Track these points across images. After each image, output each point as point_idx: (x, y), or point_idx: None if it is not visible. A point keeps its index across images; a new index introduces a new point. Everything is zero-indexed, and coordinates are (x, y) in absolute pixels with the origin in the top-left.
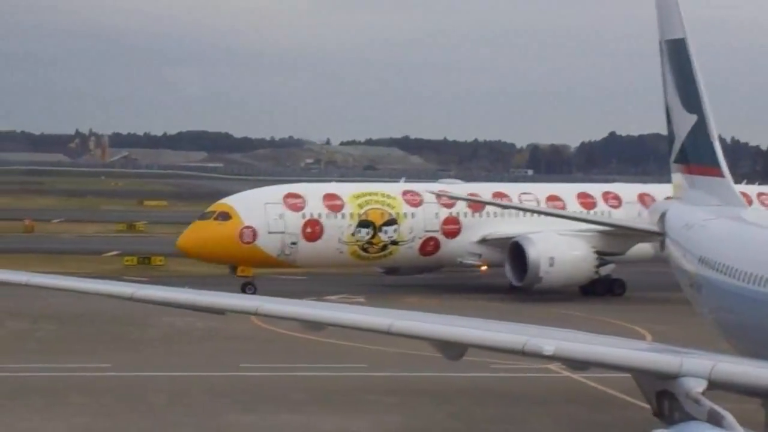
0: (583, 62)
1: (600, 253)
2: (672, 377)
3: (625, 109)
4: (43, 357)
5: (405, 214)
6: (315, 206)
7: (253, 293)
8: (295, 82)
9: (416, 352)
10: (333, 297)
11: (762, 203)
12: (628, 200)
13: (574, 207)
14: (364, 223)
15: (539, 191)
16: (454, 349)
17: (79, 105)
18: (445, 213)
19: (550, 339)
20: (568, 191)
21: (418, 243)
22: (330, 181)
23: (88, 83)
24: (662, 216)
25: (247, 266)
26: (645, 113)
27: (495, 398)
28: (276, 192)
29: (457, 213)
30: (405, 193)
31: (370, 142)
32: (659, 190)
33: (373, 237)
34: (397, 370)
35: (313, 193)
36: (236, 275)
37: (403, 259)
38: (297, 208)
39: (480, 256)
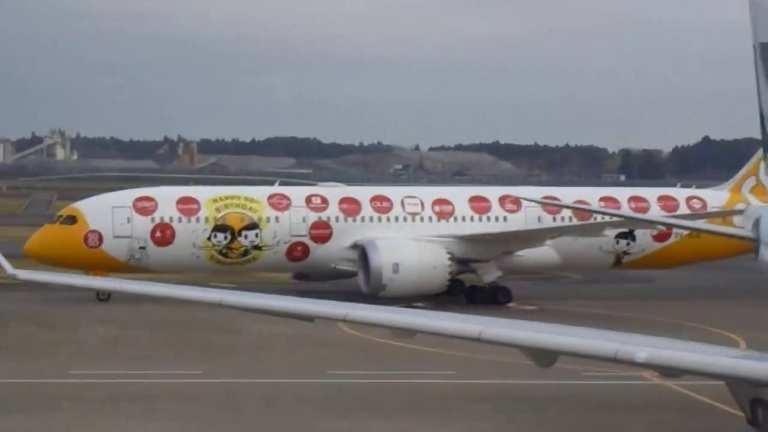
0: (676, 66)
1: (462, 260)
2: (766, 385)
3: (719, 113)
4: (134, 363)
5: (268, 218)
6: (167, 210)
7: (107, 299)
8: (385, 87)
9: (507, 359)
10: (420, 303)
11: None
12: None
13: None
14: (221, 228)
15: (425, 194)
16: (545, 357)
17: (168, 111)
18: (313, 217)
19: (642, 346)
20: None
21: (283, 248)
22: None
23: (176, 89)
24: (756, 221)
25: (96, 271)
26: (739, 117)
27: (587, 406)
28: (126, 195)
29: (328, 217)
30: (271, 196)
31: (459, 148)
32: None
33: (231, 242)
34: (487, 378)
35: (167, 196)
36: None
37: (270, 265)
38: (146, 212)
39: (355, 261)
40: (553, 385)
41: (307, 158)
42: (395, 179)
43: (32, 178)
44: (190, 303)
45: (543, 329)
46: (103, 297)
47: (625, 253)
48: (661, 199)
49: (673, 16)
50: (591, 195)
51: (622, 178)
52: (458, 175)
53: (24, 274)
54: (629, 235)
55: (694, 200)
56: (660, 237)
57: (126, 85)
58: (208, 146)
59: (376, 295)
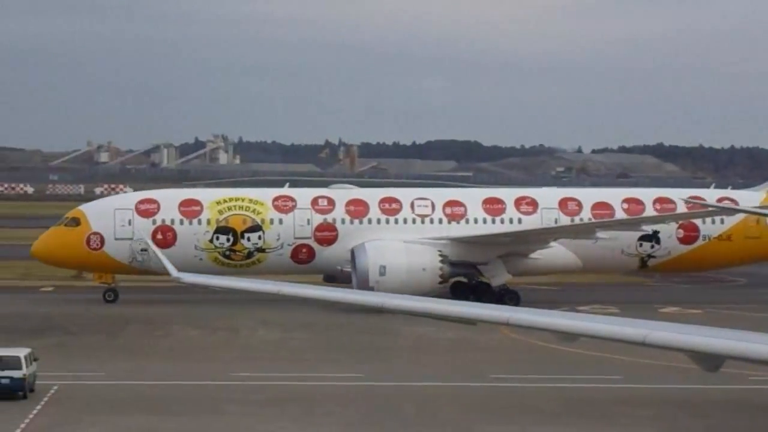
0: None
1: (458, 263)
2: None
3: None
4: (295, 366)
5: (272, 221)
6: (169, 212)
7: (113, 300)
8: (546, 89)
9: (672, 364)
10: (584, 307)
11: None
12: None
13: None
14: (223, 230)
15: (437, 197)
16: (711, 361)
17: (329, 115)
18: (318, 219)
19: None
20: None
21: (288, 250)
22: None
23: (338, 93)
24: None
25: (100, 273)
26: None
27: (754, 411)
28: (129, 198)
29: (333, 220)
30: (276, 198)
31: (623, 150)
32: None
33: (234, 244)
34: (652, 382)
35: (170, 199)
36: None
37: (276, 267)
38: (148, 214)
39: None
40: (718, 390)
41: (467, 161)
42: (556, 182)
43: (195, 182)
44: (349, 306)
45: (709, 333)
46: (110, 299)
47: (650, 256)
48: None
49: None
50: (614, 196)
51: None
52: (621, 178)
53: (187, 277)
54: (653, 238)
55: (726, 201)
56: (686, 240)
57: (287, 89)
58: (368, 150)
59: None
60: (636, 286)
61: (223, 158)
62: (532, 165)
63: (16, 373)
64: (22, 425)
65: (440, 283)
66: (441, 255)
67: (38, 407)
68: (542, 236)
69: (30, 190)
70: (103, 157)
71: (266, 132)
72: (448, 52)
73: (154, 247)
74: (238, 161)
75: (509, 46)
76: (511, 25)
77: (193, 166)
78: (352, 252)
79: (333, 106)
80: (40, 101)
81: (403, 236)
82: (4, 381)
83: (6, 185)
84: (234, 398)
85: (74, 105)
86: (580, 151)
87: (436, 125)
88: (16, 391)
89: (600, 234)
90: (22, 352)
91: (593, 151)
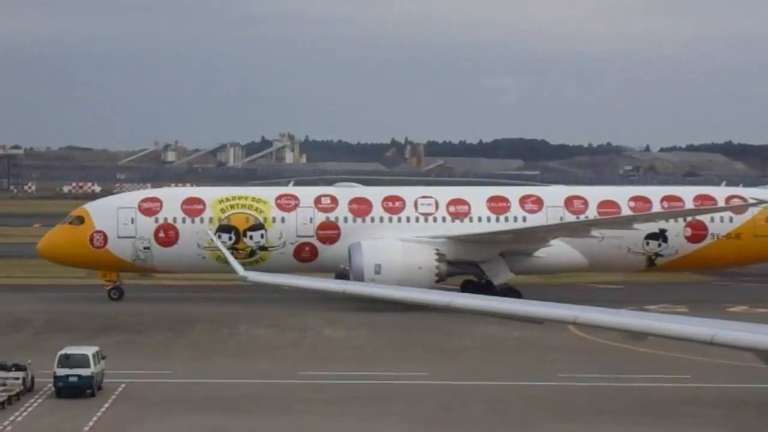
0: None
1: (456, 261)
2: None
3: None
4: (362, 365)
5: (274, 219)
6: (171, 211)
7: (119, 298)
8: (613, 87)
9: (742, 363)
10: (652, 306)
11: None
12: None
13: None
14: (225, 228)
15: (441, 195)
16: None
17: (395, 114)
18: (321, 218)
19: None
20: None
21: (291, 249)
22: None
23: (404, 92)
24: None
25: (104, 271)
26: None
27: None
28: (132, 196)
29: (336, 218)
30: (279, 197)
31: (691, 148)
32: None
33: (236, 242)
34: (722, 382)
35: (172, 197)
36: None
37: (278, 266)
38: (151, 213)
39: None
40: None
41: (534, 160)
42: (624, 181)
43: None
44: (414, 306)
45: None
46: (115, 296)
47: (658, 255)
48: (697, 198)
49: None
50: (620, 195)
51: None
52: (690, 176)
53: (254, 276)
54: (660, 236)
55: (735, 199)
56: (694, 238)
57: (354, 88)
58: (435, 148)
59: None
60: (704, 285)
61: (289, 157)
62: (599, 164)
63: (84, 371)
64: (90, 423)
65: (437, 281)
66: (438, 253)
67: (106, 405)
68: (539, 234)
69: (97, 189)
70: (170, 156)
71: (333, 131)
72: (515, 50)
73: (220, 246)
74: (304, 160)
75: (577, 44)
76: (578, 23)
77: (260, 165)
78: (349, 250)
79: (400, 104)
80: (108, 101)
81: (405, 235)
82: (72, 379)
83: (74, 184)
84: (301, 397)
85: (142, 104)
86: (648, 149)
87: (503, 124)
88: (84, 389)
89: (594, 232)
90: (89, 350)
91: (661, 150)
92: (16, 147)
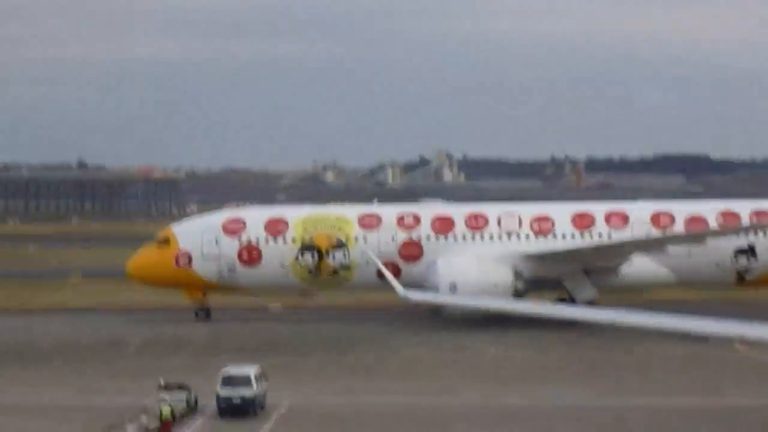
0: None
1: (532, 279)
2: None
3: None
4: (523, 383)
5: (356, 238)
6: (254, 231)
7: (205, 319)
8: None
9: None
10: None
11: None
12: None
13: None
14: (308, 248)
15: (525, 212)
16: None
17: (555, 130)
18: (403, 236)
19: None
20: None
21: (373, 268)
22: None
23: (563, 108)
24: None
25: (191, 290)
26: None
27: None
28: (218, 217)
29: (419, 236)
30: (362, 216)
31: None
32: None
33: (319, 262)
34: None
35: (256, 218)
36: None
37: (361, 284)
38: (235, 233)
39: None
40: None
41: (697, 175)
42: None
43: (420, 200)
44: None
45: None
46: (201, 317)
47: (747, 270)
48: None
49: None
50: (709, 210)
51: None
52: None
53: (415, 296)
54: (750, 252)
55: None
56: None
57: (511, 105)
58: (595, 165)
59: (439, 313)
60: None
61: (447, 175)
62: (764, 178)
63: (246, 391)
64: None
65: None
66: (515, 271)
67: (268, 425)
68: (614, 250)
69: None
70: (329, 176)
71: (491, 149)
72: (675, 64)
73: (380, 265)
74: (462, 178)
75: (741, 58)
76: (740, 36)
77: (418, 183)
78: (427, 268)
79: (559, 121)
80: (267, 121)
81: (487, 252)
82: (234, 399)
83: (234, 204)
84: (462, 415)
85: (300, 124)
86: None
87: (665, 139)
88: (246, 409)
89: (672, 248)
90: (252, 371)
91: None
92: (178, 169)
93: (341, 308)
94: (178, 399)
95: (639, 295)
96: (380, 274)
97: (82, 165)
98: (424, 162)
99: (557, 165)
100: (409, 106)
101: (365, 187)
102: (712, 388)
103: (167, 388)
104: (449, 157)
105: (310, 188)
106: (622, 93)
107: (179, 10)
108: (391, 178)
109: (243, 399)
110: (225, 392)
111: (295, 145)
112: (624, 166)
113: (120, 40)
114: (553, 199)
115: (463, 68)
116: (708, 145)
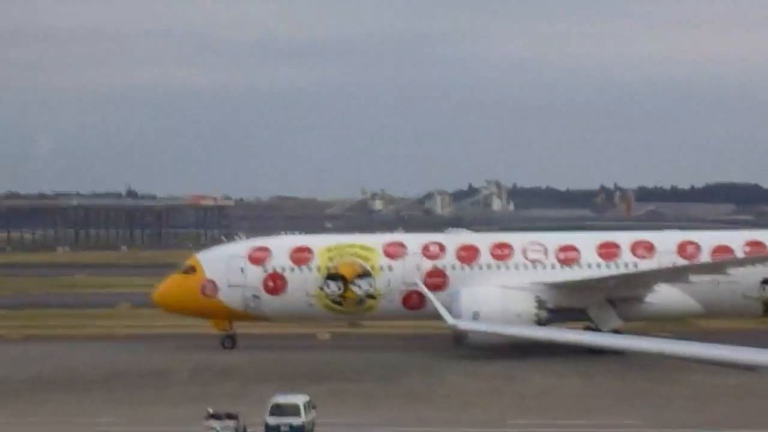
0: None
1: (555, 309)
2: None
3: None
4: (572, 413)
5: (381, 267)
6: (280, 260)
7: (231, 347)
8: None
9: None
10: None
11: None
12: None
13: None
14: (333, 276)
15: (551, 242)
16: None
17: (605, 159)
18: (428, 265)
19: None
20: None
21: (398, 297)
22: None
23: (613, 136)
24: None
25: (217, 319)
26: None
27: None
28: (243, 245)
29: (444, 265)
30: (387, 245)
31: None
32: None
33: (344, 290)
34: None
35: (281, 246)
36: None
37: (386, 314)
38: (260, 262)
39: None
40: None
41: (747, 204)
42: None
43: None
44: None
45: None
46: (228, 346)
47: None
48: None
49: None
50: (736, 240)
51: None
52: None
53: (462, 324)
54: None
55: None
56: None
57: (561, 133)
58: (645, 194)
59: (461, 342)
60: None
61: (496, 204)
62: None
63: (295, 420)
64: None
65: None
66: (538, 300)
67: None
68: (641, 280)
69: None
70: (377, 204)
71: (540, 177)
72: (726, 92)
73: (427, 292)
74: (512, 207)
75: None
76: None
77: (467, 212)
78: (450, 297)
79: (609, 149)
80: (314, 149)
81: (512, 281)
82: (283, 428)
83: (283, 233)
84: None
85: (347, 152)
86: None
87: (716, 168)
88: None
89: (698, 278)
90: (300, 400)
91: None
92: (227, 198)
93: (388, 336)
94: (227, 427)
95: (663, 325)
96: (406, 303)
97: (131, 194)
98: (473, 191)
99: (607, 194)
100: (459, 134)
101: (414, 215)
102: (763, 418)
103: (216, 416)
104: (498, 185)
105: (358, 217)
106: (674, 122)
107: (228, 41)
108: (440, 206)
109: (291, 428)
110: (273, 421)
111: (343, 173)
112: (674, 196)
113: (172, 70)
114: (605, 229)
115: (514, 96)
116: (759, 175)
